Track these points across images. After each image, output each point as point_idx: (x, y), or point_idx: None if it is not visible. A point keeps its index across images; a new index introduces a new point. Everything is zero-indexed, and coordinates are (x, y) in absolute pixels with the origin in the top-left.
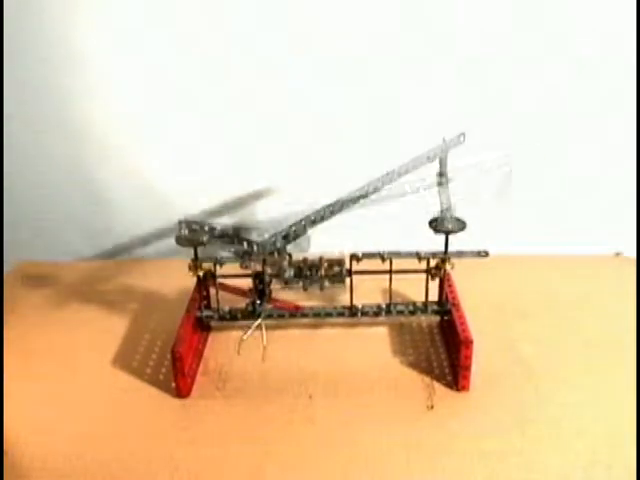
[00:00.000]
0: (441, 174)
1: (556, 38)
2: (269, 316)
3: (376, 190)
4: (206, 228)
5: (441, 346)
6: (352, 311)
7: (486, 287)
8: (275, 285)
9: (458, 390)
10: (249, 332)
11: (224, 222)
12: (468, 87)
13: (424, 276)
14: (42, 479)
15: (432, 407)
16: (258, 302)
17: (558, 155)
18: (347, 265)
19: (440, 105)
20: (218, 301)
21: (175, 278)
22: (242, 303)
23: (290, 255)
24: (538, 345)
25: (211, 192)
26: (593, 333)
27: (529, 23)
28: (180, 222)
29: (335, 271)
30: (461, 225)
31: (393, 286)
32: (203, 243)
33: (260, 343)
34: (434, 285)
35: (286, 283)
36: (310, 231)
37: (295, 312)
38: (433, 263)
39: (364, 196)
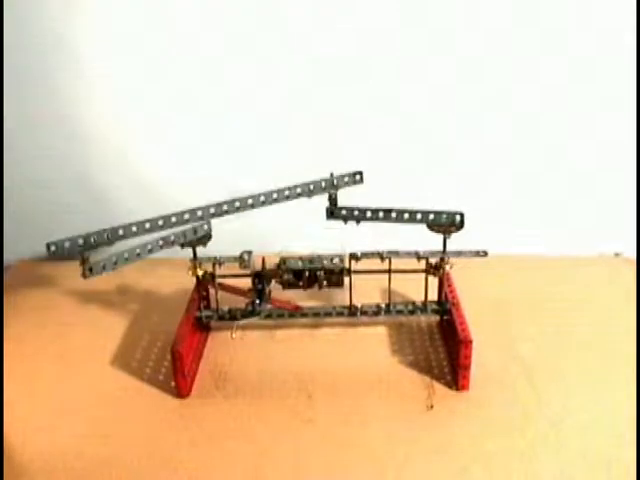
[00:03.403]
0: (331, 212)
1: (555, 37)
2: (268, 316)
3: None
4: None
5: (441, 346)
6: (351, 311)
7: (485, 287)
8: (275, 285)
9: (458, 390)
10: (243, 322)
11: (224, 222)
12: (467, 87)
13: (423, 276)
14: (42, 479)
15: (432, 407)
16: (257, 302)
17: (558, 155)
18: (346, 264)
19: (439, 104)
20: (217, 301)
21: (175, 278)
22: (242, 303)
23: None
24: (538, 345)
25: (211, 191)
26: (593, 333)
27: (527, 21)
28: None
29: (333, 279)
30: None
31: (392, 286)
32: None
33: (262, 343)
34: (433, 285)
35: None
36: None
37: (295, 312)
38: (432, 263)
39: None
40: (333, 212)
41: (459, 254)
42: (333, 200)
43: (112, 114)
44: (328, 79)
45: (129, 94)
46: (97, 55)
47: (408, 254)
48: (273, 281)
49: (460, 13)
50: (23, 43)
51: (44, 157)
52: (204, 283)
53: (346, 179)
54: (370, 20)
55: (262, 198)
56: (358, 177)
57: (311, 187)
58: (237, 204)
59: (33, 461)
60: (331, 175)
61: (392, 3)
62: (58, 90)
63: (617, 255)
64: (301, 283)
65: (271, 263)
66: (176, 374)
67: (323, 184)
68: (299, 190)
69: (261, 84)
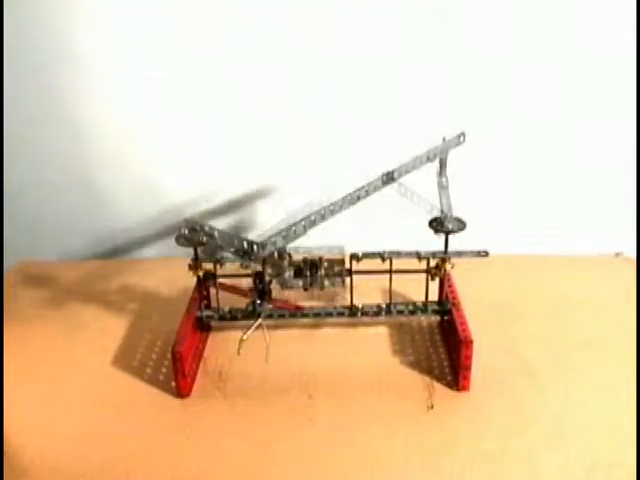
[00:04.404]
0: (441, 174)
1: (556, 38)
2: (269, 316)
3: (376, 189)
4: (207, 228)
5: (441, 346)
6: (352, 311)
7: (486, 287)
8: (275, 285)
9: (458, 390)
10: (249, 332)
11: (224, 222)
12: (468, 87)
13: (424, 276)
14: (42, 479)
15: (432, 407)
16: (258, 302)
17: (558, 155)
18: (347, 265)
19: (439, 104)
20: (218, 301)
21: (175, 278)
22: (242, 303)
23: (290, 255)
24: (538, 345)
25: (211, 192)
26: (593, 333)
27: (527, 22)
28: (185, 220)
29: (335, 271)
30: (461, 225)
31: (393, 286)
32: (203, 243)
33: (261, 343)
34: (434, 285)
35: (286, 285)
36: (312, 234)
37: (295, 312)
38: (433, 263)
39: (364, 196)
40: (441, 173)
41: (460, 254)
42: (444, 164)
43: (113, 114)
44: (328, 79)
45: (130, 94)
46: (98, 55)
47: (409, 254)
48: (274, 280)
49: (461, 13)
50: (23, 43)
51: (45, 158)
52: (205, 283)
53: (453, 141)
54: (375, 20)
55: (405, 168)
56: (462, 138)
57: (430, 154)
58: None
59: (33, 461)
60: (443, 139)
61: (393, 3)
62: (59, 90)
63: (617, 255)
64: (301, 283)
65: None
66: (176, 374)
67: (441, 149)
68: (418, 162)
69: (260, 83)
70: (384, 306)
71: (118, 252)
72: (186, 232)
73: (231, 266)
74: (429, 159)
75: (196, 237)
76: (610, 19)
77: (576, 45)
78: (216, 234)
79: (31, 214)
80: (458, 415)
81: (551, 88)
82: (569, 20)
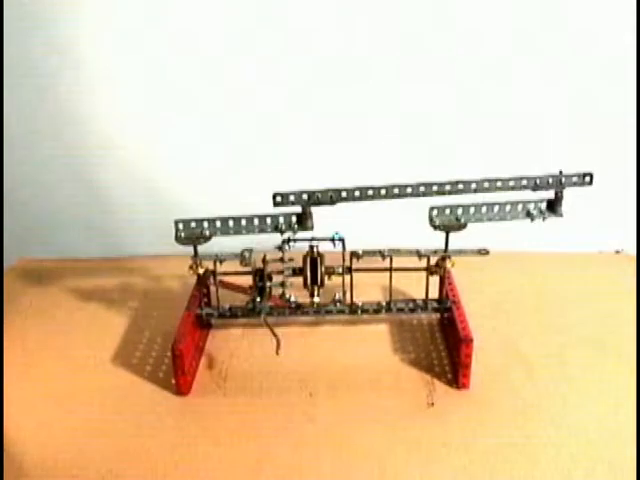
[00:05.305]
0: (555, 211)
1: (556, 38)
2: (269, 314)
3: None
4: (205, 223)
5: (441, 344)
6: (352, 308)
7: (486, 285)
8: (275, 283)
9: (458, 388)
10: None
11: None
12: (468, 88)
13: (424, 274)
14: (42, 477)
15: (432, 404)
16: (258, 299)
17: (557, 154)
18: (347, 262)
19: (439, 108)
20: (218, 298)
21: (175, 275)
22: (242, 301)
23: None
24: (538, 343)
25: (211, 191)
26: (593, 331)
27: (528, 20)
28: (177, 222)
29: (335, 268)
30: (462, 223)
31: (393, 284)
32: (205, 237)
33: (262, 341)
34: (434, 283)
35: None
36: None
37: (295, 309)
38: (433, 261)
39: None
40: (555, 210)
41: (460, 252)
42: (559, 199)
43: (112, 112)
44: (331, 78)
45: (130, 92)
46: (97, 54)
47: (409, 252)
48: (274, 278)
49: (463, 15)
50: (22, 44)
51: (44, 158)
52: (205, 280)
53: (574, 179)
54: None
55: (486, 184)
56: (587, 178)
57: (537, 181)
58: (460, 186)
59: (33, 458)
60: (560, 173)
61: (393, 3)
62: (57, 89)
63: (617, 252)
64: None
65: (271, 260)
66: (176, 372)
67: (550, 180)
68: (524, 182)
69: (261, 83)
70: (384, 304)
71: (118, 250)
72: (182, 235)
73: (231, 263)
74: (533, 188)
75: (196, 231)
76: (612, 19)
77: (576, 45)
78: (218, 223)
79: (31, 212)
80: (458, 413)
81: (550, 88)
82: (569, 21)
